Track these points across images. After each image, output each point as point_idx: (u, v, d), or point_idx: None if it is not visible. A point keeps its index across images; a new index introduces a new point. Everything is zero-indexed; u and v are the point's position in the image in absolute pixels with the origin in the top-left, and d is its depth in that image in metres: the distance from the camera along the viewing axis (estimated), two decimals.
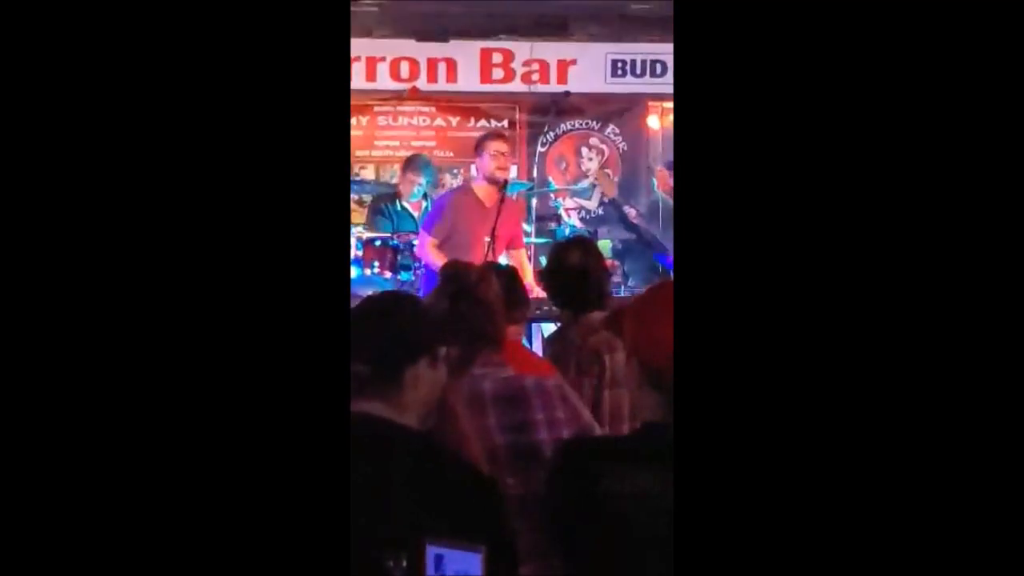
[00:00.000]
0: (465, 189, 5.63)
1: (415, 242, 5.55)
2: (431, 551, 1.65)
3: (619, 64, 7.74)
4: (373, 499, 1.73)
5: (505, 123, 7.60)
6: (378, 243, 5.64)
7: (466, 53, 7.62)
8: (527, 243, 5.96)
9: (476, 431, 2.41)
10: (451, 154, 7.65)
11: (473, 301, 2.56)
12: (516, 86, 7.68)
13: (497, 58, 7.67)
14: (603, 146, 7.86)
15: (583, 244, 3.50)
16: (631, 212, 6.15)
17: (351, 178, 7.15)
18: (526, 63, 7.66)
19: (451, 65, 7.64)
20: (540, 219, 6.82)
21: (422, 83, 7.62)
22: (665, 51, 7.44)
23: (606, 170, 7.69)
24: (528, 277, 5.02)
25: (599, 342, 3.06)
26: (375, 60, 7.54)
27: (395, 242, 5.63)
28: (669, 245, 5.76)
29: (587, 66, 7.68)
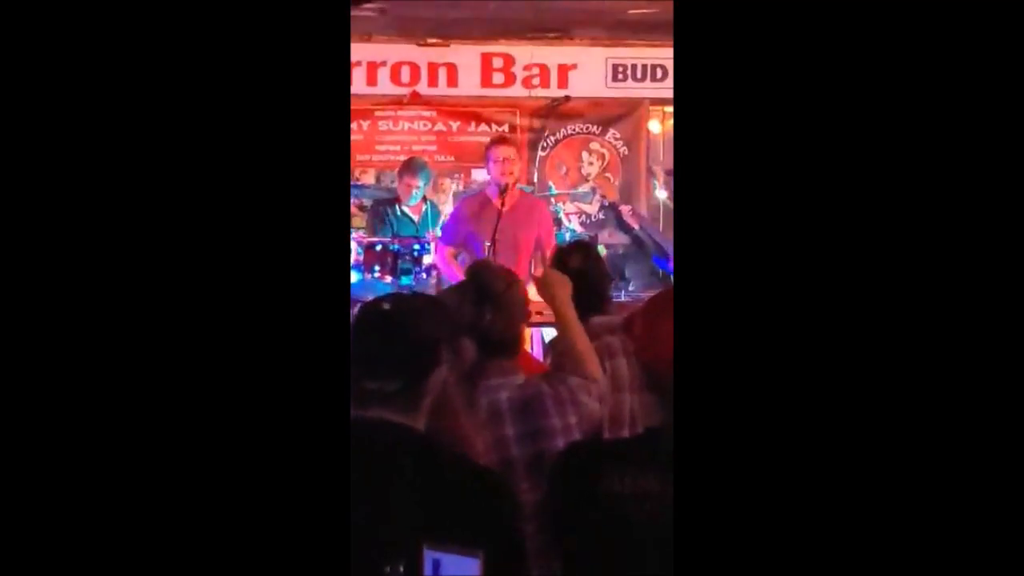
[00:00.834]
0: (479, 195, 5.62)
1: (416, 247, 5.55)
2: (429, 556, 1.65)
3: (619, 68, 7.75)
4: (373, 503, 1.72)
5: (506, 127, 7.60)
6: (378, 247, 5.64)
7: (467, 57, 7.63)
8: None
9: (492, 440, 2.41)
10: (452, 159, 7.65)
11: (498, 307, 2.54)
12: (517, 90, 7.68)
13: (498, 62, 7.68)
14: (603, 150, 7.85)
15: (584, 248, 3.50)
16: (630, 216, 6.14)
17: (352, 182, 7.16)
18: (527, 67, 7.67)
19: (452, 69, 7.65)
20: None
21: (423, 87, 7.63)
22: (665, 55, 7.46)
23: (606, 174, 7.69)
24: None
25: (600, 347, 3.06)
26: (376, 64, 7.55)
27: (395, 246, 5.63)
28: (671, 249, 5.76)
29: (588, 70, 7.69)
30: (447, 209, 6.42)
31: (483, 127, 7.68)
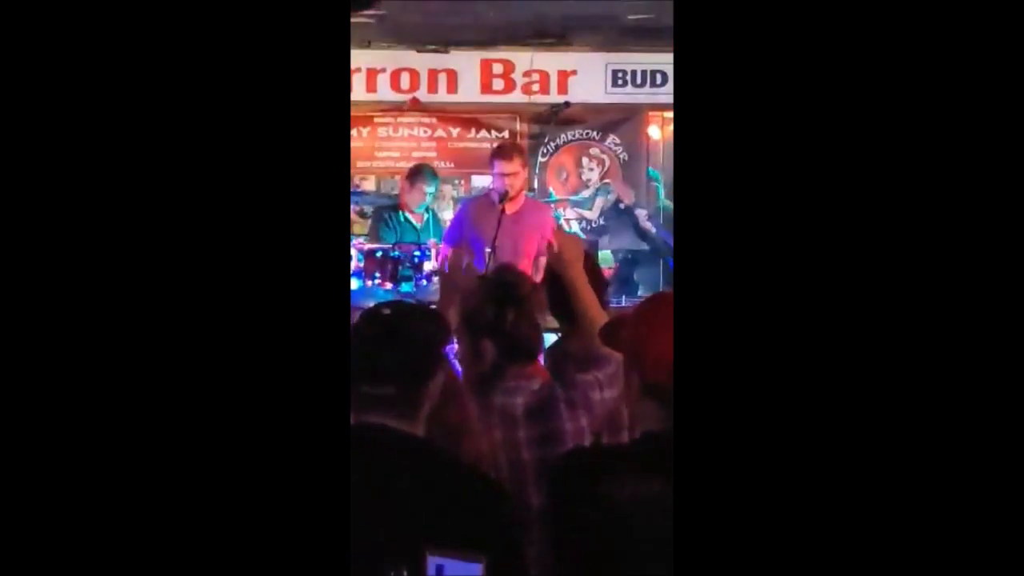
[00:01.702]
0: (483, 198, 5.61)
1: (416, 253, 5.55)
2: (432, 562, 1.65)
3: (619, 74, 7.76)
4: (375, 509, 1.72)
5: (506, 134, 7.61)
6: (379, 254, 5.64)
7: (466, 64, 7.64)
8: None
9: (504, 445, 2.41)
10: (452, 165, 7.66)
11: (521, 309, 2.53)
12: (517, 97, 7.69)
13: (498, 69, 7.69)
14: (604, 156, 7.86)
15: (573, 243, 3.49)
16: (646, 219, 6.14)
17: (352, 189, 7.16)
18: (526, 74, 7.67)
19: (451, 76, 7.66)
20: None
21: (422, 94, 7.64)
22: (665, 61, 7.46)
23: (606, 180, 7.70)
24: None
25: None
26: (375, 71, 7.56)
27: (396, 253, 5.63)
28: None
29: (587, 76, 7.70)
30: (447, 216, 6.42)
31: (483, 133, 7.69)
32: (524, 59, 7.64)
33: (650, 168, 6.76)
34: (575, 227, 7.28)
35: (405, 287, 5.59)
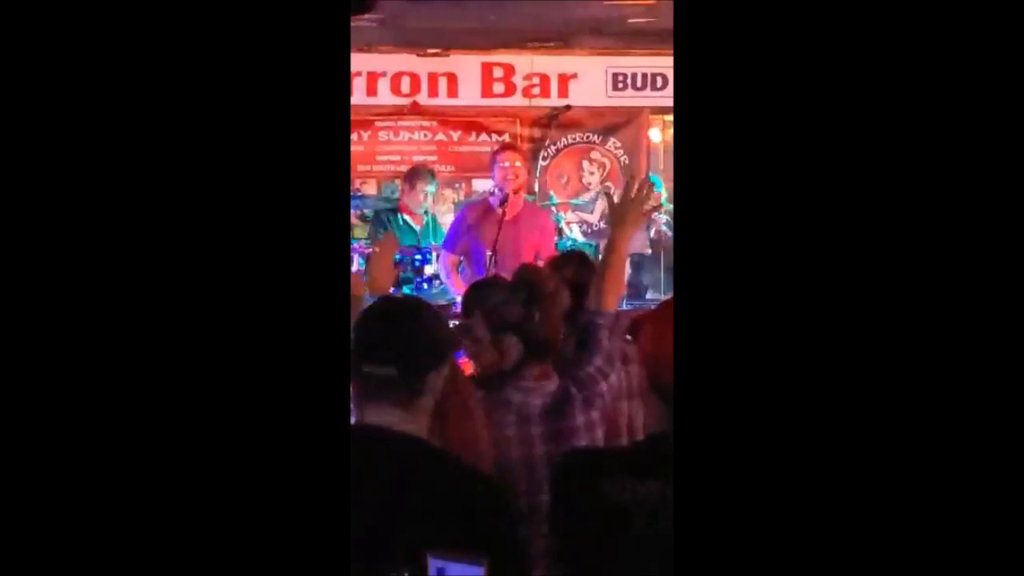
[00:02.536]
0: (481, 203, 5.61)
1: (417, 256, 5.55)
2: (433, 564, 1.65)
3: (620, 77, 7.77)
4: (377, 511, 1.73)
5: (506, 137, 7.61)
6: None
7: (467, 67, 7.65)
8: None
9: (517, 444, 2.42)
10: (452, 169, 7.66)
11: (546, 308, 2.55)
12: (517, 100, 7.70)
13: (498, 72, 7.69)
14: (604, 159, 7.87)
15: (577, 258, 3.49)
16: (656, 221, 6.13)
17: (352, 193, 7.16)
18: (527, 77, 7.68)
19: (452, 79, 7.66)
20: None
21: (423, 97, 7.64)
22: (665, 64, 7.47)
23: (607, 183, 7.70)
24: None
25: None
26: (376, 75, 7.57)
27: (397, 256, 5.62)
28: None
29: (588, 79, 7.71)
30: (447, 219, 6.42)
31: (483, 137, 7.70)
32: (524, 62, 7.65)
33: (651, 174, 6.75)
34: (576, 230, 7.28)
35: (405, 290, 5.59)
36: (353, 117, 6.88)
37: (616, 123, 7.83)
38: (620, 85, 7.78)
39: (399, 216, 6.12)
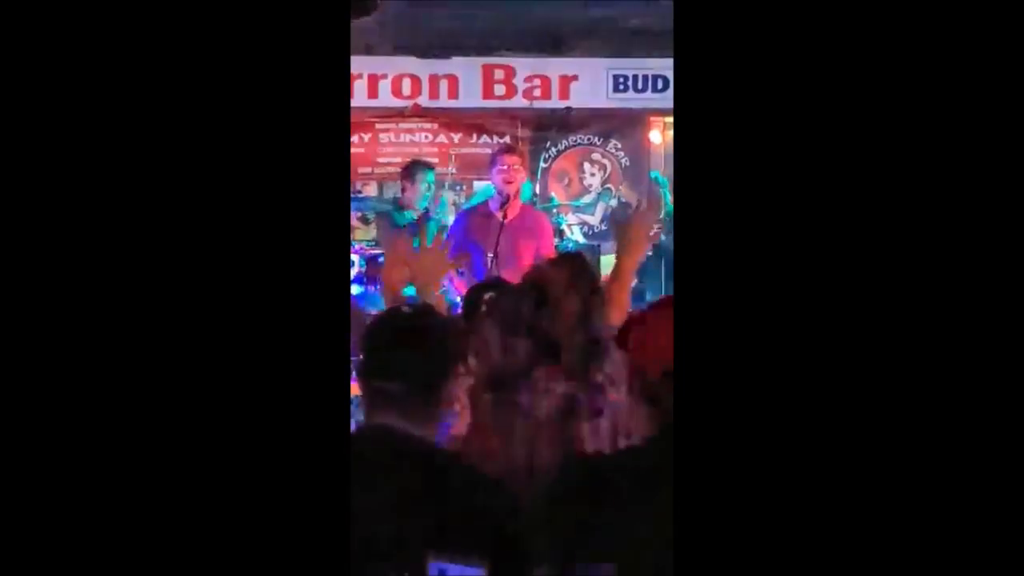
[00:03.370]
0: (480, 206, 5.61)
1: None
2: (433, 567, 1.65)
3: (620, 79, 7.76)
4: (377, 512, 1.72)
5: (507, 139, 7.61)
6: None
7: (468, 69, 7.65)
8: None
9: (524, 445, 2.42)
10: (453, 171, 7.67)
11: (557, 311, 2.54)
12: (518, 102, 7.70)
13: (499, 74, 7.69)
14: (605, 161, 7.87)
15: (572, 260, 3.48)
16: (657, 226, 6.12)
17: (353, 195, 7.16)
18: (528, 79, 7.68)
19: (453, 82, 7.66)
20: None
21: (424, 100, 7.64)
22: (666, 66, 7.47)
23: (608, 185, 7.71)
24: None
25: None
26: (377, 77, 7.56)
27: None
28: None
29: (589, 82, 7.71)
30: (448, 221, 6.42)
31: (484, 139, 7.70)
32: (525, 65, 7.65)
33: (657, 173, 6.75)
34: (577, 232, 7.28)
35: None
36: (354, 119, 6.89)
37: (617, 125, 7.84)
38: (621, 87, 7.77)
39: (404, 213, 6.10)
